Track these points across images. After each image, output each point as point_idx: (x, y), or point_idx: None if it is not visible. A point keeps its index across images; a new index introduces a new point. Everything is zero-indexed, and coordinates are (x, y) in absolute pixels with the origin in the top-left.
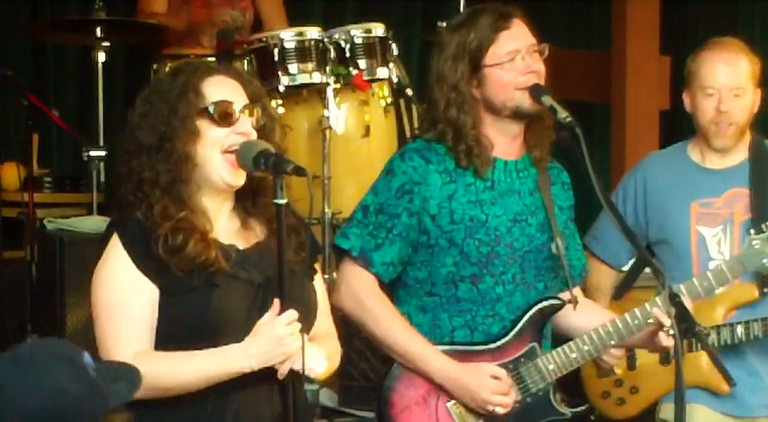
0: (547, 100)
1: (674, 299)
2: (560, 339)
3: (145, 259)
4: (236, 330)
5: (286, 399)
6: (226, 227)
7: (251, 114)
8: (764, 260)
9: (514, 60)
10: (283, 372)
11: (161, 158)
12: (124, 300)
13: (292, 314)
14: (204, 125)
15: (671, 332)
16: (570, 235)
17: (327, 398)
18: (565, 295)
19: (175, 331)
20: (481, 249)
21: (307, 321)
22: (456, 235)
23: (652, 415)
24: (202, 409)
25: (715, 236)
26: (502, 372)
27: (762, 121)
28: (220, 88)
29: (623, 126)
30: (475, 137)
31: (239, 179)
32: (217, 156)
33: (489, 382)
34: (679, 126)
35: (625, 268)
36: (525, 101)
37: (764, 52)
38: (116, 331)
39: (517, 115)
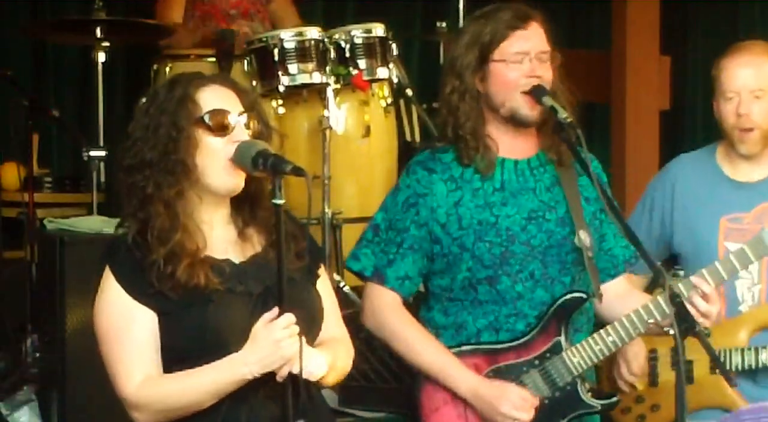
0: (548, 100)
1: (674, 300)
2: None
3: (138, 286)
4: (238, 343)
5: (285, 402)
6: (221, 238)
7: (247, 123)
8: None
9: (522, 61)
10: (282, 375)
11: (166, 171)
12: (124, 330)
13: (289, 317)
14: (201, 135)
15: (671, 332)
16: (607, 223)
17: (327, 398)
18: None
19: (179, 351)
20: (493, 251)
21: (311, 328)
22: (466, 240)
23: None
24: (216, 415)
25: None
26: (526, 394)
27: None
28: (215, 98)
29: (623, 126)
30: (473, 130)
31: (240, 182)
32: (217, 164)
33: (512, 397)
34: (679, 126)
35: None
36: (524, 107)
37: None
38: (121, 362)
39: (514, 119)
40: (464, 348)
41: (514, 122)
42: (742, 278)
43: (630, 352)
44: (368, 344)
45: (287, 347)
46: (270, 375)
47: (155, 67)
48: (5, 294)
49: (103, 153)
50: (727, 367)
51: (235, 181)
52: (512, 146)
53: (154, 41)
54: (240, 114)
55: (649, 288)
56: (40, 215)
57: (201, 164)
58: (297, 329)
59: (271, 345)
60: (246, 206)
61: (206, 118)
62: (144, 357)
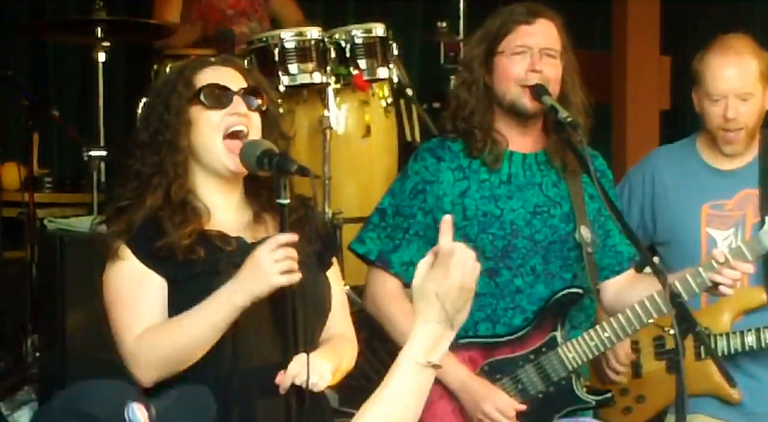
0: (548, 100)
1: (675, 300)
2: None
3: (150, 255)
4: (244, 316)
5: (289, 414)
6: (235, 219)
7: (251, 98)
8: None
9: (524, 55)
10: (285, 386)
11: (153, 151)
12: (133, 294)
13: (279, 239)
14: (197, 112)
15: (671, 332)
16: (611, 221)
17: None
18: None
19: None
20: (495, 243)
21: (320, 315)
22: (469, 231)
23: None
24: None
25: (725, 239)
26: (512, 401)
27: None
28: (212, 76)
29: (623, 126)
30: (482, 123)
31: (242, 165)
32: (217, 142)
33: (497, 399)
34: (679, 126)
35: None
36: (521, 98)
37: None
38: (126, 319)
39: (513, 110)
40: (460, 340)
41: (514, 113)
42: None
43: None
44: (368, 344)
45: (270, 272)
46: (274, 385)
47: (155, 67)
48: (5, 294)
49: (103, 153)
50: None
51: (236, 162)
52: (520, 140)
53: (153, 41)
54: (241, 90)
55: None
56: (40, 215)
57: (195, 143)
58: (290, 252)
59: (254, 266)
60: (263, 192)
61: (201, 94)
62: (149, 315)
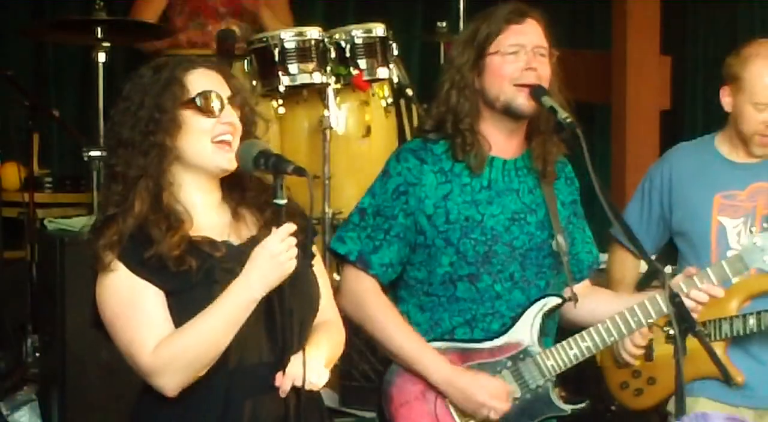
0: (548, 101)
1: (674, 299)
2: (570, 331)
3: (142, 265)
4: (245, 323)
5: (287, 413)
6: (217, 220)
7: (235, 105)
8: (766, 258)
9: (517, 54)
10: (285, 389)
11: (140, 152)
12: (133, 304)
13: (286, 229)
14: (188, 117)
15: (671, 332)
16: (576, 229)
17: (327, 398)
18: (567, 291)
19: None
20: (477, 248)
21: (309, 310)
22: (452, 235)
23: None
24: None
25: (735, 227)
26: (500, 382)
27: None
28: (203, 80)
29: (623, 126)
30: (471, 126)
31: (233, 163)
32: (207, 145)
33: (487, 385)
34: (679, 126)
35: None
36: (517, 98)
37: None
38: (135, 334)
39: (508, 111)
40: (438, 344)
41: (509, 115)
42: (733, 250)
43: None
44: (368, 344)
45: (285, 261)
46: (272, 383)
47: None
48: (5, 294)
49: (103, 153)
50: (718, 337)
51: (228, 161)
52: (504, 145)
53: (142, 43)
54: (229, 97)
55: (642, 284)
56: (40, 215)
57: (184, 146)
58: (294, 241)
59: (267, 259)
60: (237, 189)
61: (197, 100)
62: (156, 325)
